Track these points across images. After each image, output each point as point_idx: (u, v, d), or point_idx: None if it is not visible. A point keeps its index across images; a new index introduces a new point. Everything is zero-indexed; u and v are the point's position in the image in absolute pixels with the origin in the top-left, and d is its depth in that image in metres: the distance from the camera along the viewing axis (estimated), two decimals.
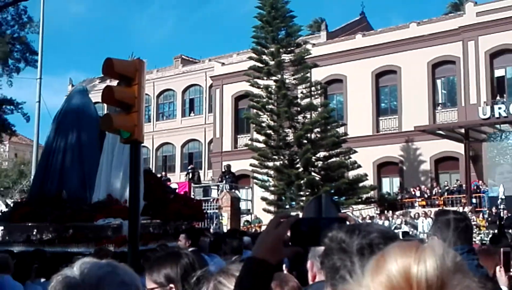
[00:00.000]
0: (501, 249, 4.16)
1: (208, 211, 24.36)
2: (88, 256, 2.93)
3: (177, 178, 40.75)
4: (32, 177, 21.35)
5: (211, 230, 19.28)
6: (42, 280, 7.04)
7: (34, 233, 12.37)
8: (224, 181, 30.28)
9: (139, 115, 7.87)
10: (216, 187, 30.58)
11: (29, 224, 12.51)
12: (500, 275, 4.03)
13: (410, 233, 25.35)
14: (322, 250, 1.95)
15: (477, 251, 4.73)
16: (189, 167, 36.50)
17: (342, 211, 7.61)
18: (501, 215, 27.57)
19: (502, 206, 29.51)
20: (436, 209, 26.34)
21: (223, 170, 33.30)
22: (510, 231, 20.22)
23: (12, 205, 16.31)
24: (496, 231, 20.05)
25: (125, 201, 11.79)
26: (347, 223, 1.86)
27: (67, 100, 14.90)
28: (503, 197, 30.40)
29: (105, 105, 14.75)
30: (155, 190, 13.45)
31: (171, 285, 2.89)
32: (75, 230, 12.03)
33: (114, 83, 8.54)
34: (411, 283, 0.95)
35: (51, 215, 12.19)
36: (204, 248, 8.90)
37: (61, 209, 12.30)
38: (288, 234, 1.83)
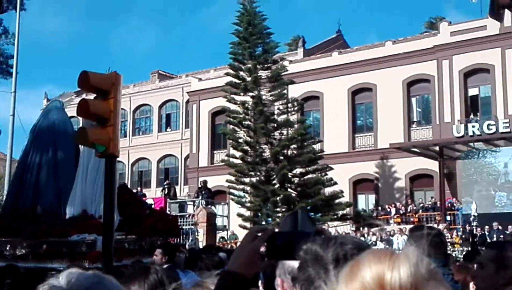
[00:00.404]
0: (475, 266, 4.19)
1: (184, 227, 24.19)
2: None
3: (153, 194, 40.50)
4: (5, 191, 21.04)
5: (187, 246, 19.15)
6: None
7: (8, 248, 12.15)
8: (200, 197, 30.13)
9: (115, 129, 7.82)
10: (192, 203, 30.39)
11: (3, 239, 12.30)
12: None
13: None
14: (291, 266, 1.94)
15: (452, 267, 4.76)
16: (165, 183, 36.33)
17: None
18: (474, 232, 27.80)
19: (474, 223, 29.79)
20: (411, 226, 26.47)
21: (199, 185, 33.16)
22: (483, 248, 20.39)
23: None
24: (469, 248, 20.22)
25: (100, 216, 11.67)
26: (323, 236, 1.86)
27: (43, 114, 14.74)
28: (476, 214, 30.71)
29: (81, 119, 14.63)
30: (130, 205, 13.33)
31: None
32: (49, 246, 11.84)
33: (91, 97, 8.48)
34: None
35: (25, 230, 12.01)
36: (179, 264, 8.83)
37: (35, 224, 12.13)
38: (263, 248, 1.83)
